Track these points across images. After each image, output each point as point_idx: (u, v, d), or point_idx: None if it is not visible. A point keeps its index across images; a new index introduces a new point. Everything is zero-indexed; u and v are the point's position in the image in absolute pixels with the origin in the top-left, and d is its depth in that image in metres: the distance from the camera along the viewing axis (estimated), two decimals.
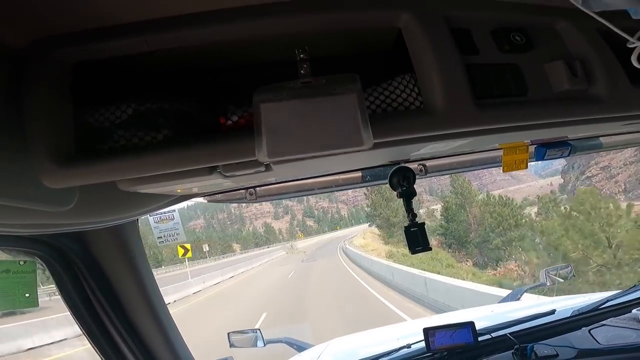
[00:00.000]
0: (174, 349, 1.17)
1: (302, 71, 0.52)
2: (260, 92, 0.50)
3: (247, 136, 0.52)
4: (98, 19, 0.52)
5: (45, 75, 0.53)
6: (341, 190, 1.26)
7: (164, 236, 1.13)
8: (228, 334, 2.21)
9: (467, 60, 0.58)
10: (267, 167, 0.64)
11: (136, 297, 1.08)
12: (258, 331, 2.19)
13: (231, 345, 2.19)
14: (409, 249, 1.04)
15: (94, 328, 1.05)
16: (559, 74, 0.60)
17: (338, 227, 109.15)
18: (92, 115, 0.58)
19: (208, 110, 0.60)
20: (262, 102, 0.49)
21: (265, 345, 2.19)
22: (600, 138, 1.26)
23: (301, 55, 0.52)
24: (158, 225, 1.11)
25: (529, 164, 1.13)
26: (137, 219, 1.09)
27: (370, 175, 1.20)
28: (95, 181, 0.56)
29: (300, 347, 2.53)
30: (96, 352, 1.08)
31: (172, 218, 1.11)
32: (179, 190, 0.84)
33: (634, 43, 0.54)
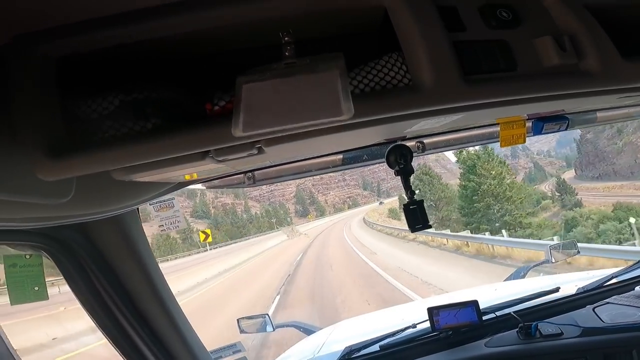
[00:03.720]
0: (182, 334, 1.20)
1: (286, 53, 0.52)
2: (244, 75, 0.51)
3: None
4: (80, 12, 0.52)
5: (29, 70, 0.54)
6: (340, 170, 1.26)
7: (165, 224, 1.15)
8: (237, 320, 2.26)
9: (454, 37, 0.58)
10: (260, 150, 0.64)
11: (142, 285, 1.09)
12: (267, 316, 2.22)
13: (241, 331, 2.24)
14: (409, 227, 1.05)
15: (103, 318, 1.07)
16: (548, 49, 0.61)
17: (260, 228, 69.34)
18: (80, 108, 0.58)
19: (196, 97, 0.60)
20: (244, 83, 0.50)
21: (274, 329, 2.24)
22: (597, 112, 1.26)
23: (286, 39, 0.52)
24: (159, 213, 1.13)
25: (526, 138, 1.12)
26: (137, 209, 1.11)
27: (367, 155, 1.20)
28: (88, 172, 0.57)
29: (308, 331, 2.59)
30: (108, 341, 1.11)
31: (172, 206, 1.13)
32: (174, 178, 0.85)
33: None
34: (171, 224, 1.16)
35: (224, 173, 1.09)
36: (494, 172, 25.45)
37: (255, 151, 0.63)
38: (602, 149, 41.21)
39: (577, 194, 33.86)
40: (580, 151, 47.81)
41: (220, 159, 0.63)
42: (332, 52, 0.53)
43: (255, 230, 68.53)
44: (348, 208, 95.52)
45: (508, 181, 25.74)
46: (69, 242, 0.97)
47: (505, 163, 27.39)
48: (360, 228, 38.27)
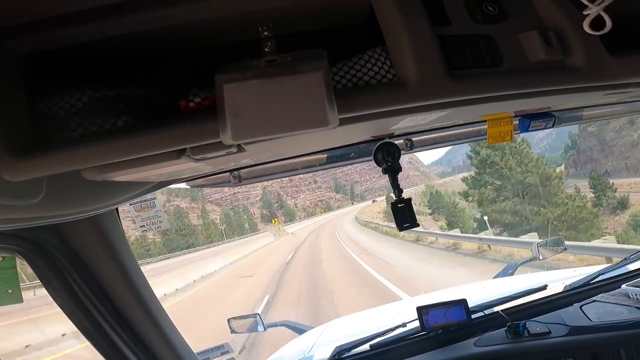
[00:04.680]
0: (166, 335, 1.17)
1: (266, 49, 0.50)
2: (223, 72, 0.49)
3: (212, 117, 0.51)
4: (50, 7, 0.50)
5: None
6: (328, 168, 1.25)
7: (147, 224, 1.13)
8: (228, 320, 2.23)
9: (439, 31, 0.57)
10: (240, 148, 0.62)
11: (122, 288, 1.06)
12: (257, 316, 2.20)
13: (232, 331, 2.22)
14: (397, 226, 1.04)
15: (83, 321, 1.04)
16: (534, 44, 0.60)
17: None
18: (47, 106, 0.57)
19: (171, 94, 0.58)
20: (224, 82, 0.48)
21: (265, 329, 2.22)
22: (584, 110, 1.27)
23: (265, 33, 0.50)
24: (140, 214, 1.10)
25: (513, 136, 1.12)
26: (117, 209, 1.07)
27: (354, 152, 1.19)
28: (55, 171, 0.55)
29: (300, 330, 2.58)
30: (91, 344, 1.08)
31: (154, 206, 1.10)
32: (154, 177, 0.82)
33: (589, 9, 0.55)
34: (152, 224, 1.13)
35: (208, 172, 1.06)
36: None
37: (234, 149, 0.62)
38: (610, 143, 37.49)
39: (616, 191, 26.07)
40: (576, 148, 44.11)
41: (197, 157, 0.61)
42: (315, 47, 0.52)
43: (205, 240, 56.73)
44: (322, 212, 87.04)
45: None
46: (43, 244, 0.93)
47: None
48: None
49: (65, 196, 0.74)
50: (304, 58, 0.50)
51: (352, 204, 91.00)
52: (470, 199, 21.57)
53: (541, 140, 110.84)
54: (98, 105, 0.56)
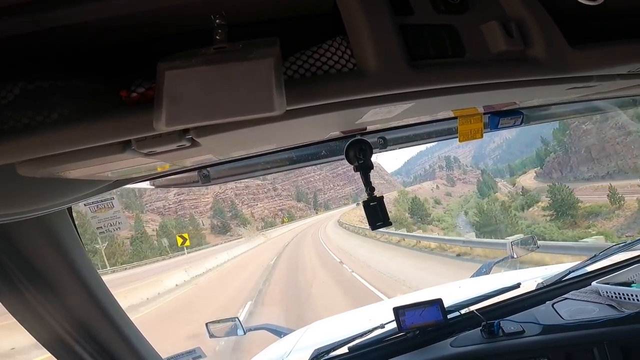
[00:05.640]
0: (129, 340, 1.11)
1: (217, 37, 0.48)
2: (167, 60, 0.46)
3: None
4: None
5: None
6: (299, 167, 1.22)
7: (104, 226, 1.06)
8: (206, 324, 2.17)
9: (401, 20, 0.57)
10: (193, 142, 0.58)
11: (78, 292, 0.99)
12: (237, 319, 2.15)
13: (211, 336, 2.15)
14: (370, 225, 1.02)
15: (38, 328, 0.97)
16: (495, 34, 0.60)
17: None
18: None
19: (114, 86, 0.54)
20: (167, 69, 0.45)
21: (245, 333, 2.17)
22: (551, 107, 1.28)
23: (217, 21, 0.48)
24: (96, 214, 1.03)
25: (483, 134, 1.12)
26: (69, 209, 1.01)
27: (325, 150, 1.17)
28: None
29: (280, 333, 2.54)
30: (51, 354, 1.01)
31: (112, 206, 1.03)
32: (108, 175, 0.77)
33: None
34: (110, 225, 1.06)
35: (171, 170, 1.01)
36: None
37: (186, 143, 0.57)
38: (611, 142, 32.73)
39: None
40: (565, 148, 40.64)
41: (144, 151, 0.56)
42: (276, 35, 0.49)
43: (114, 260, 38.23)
44: (286, 221, 77.70)
45: None
46: None
47: None
48: None
49: (4, 195, 0.69)
50: (256, 45, 0.47)
51: (317, 213, 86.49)
52: None
53: (493, 151, 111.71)
54: (31, 97, 0.52)
